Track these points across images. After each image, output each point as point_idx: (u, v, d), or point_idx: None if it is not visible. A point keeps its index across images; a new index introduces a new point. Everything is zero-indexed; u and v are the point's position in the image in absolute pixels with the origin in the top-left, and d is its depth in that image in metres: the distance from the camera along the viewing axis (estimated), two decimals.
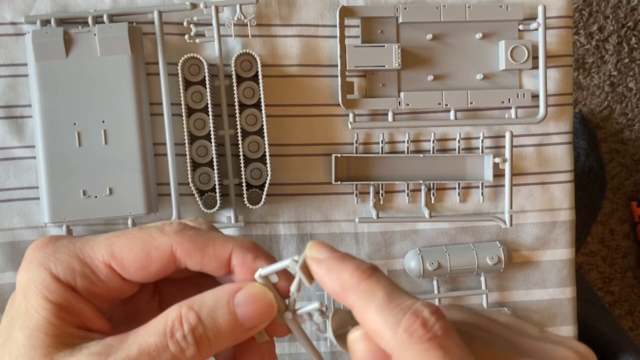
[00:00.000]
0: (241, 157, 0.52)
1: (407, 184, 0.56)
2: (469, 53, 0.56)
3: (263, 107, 0.52)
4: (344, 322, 0.27)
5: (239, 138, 0.52)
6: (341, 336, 0.27)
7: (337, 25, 0.53)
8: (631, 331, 1.27)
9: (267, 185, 0.53)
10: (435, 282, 0.56)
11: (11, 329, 0.26)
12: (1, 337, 0.26)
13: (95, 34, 0.50)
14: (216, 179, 0.52)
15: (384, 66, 0.53)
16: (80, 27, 0.52)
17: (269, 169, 0.52)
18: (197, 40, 0.53)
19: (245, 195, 0.53)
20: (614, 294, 1.26)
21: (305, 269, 0.27)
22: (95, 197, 0.51)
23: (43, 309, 0.26)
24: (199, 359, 0.25)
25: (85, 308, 0.27)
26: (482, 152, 0.56)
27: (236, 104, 0.52)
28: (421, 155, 0.56)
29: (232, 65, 0.52)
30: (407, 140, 0.56)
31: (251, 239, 0.31)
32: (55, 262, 0.26)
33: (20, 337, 0.25)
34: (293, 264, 0.27)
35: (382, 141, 0.56)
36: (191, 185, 0.52)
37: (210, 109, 0.52)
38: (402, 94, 0.55)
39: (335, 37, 0.53)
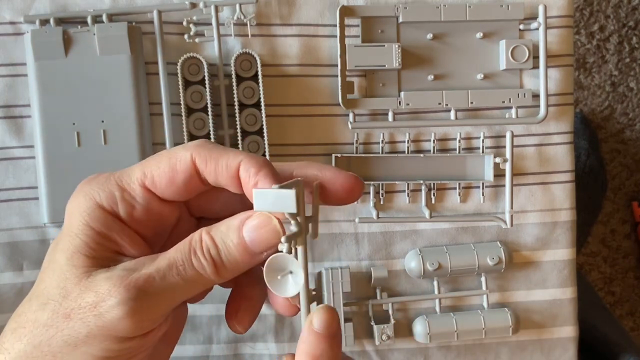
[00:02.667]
0: None
1: (408, 184, 0.56)
2: (469, 53, 0.55)
3: (263, 107, 0.52)
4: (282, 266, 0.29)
5: (239, 138, 0.52)
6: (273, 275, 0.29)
7: (337, 25, 0.53)
8: (632, 332, 1.26)
9: None
10: (435, 283, 0.56)
11: (54, 252, 0.29)
12: (46, 260, 0.29)
13: (94, 34, 0.50)
14: None
15: (384, 66, 0.53)
16: (79, 26, 0.51)
17: None
18: (197, 40, 0.53)
19: None
20: (614, 294, 1.26)
21: (301, 196, 0.28)
22: None
23: (84, 234, 0.29)
24: (217, 279, 0.28)
25: (125, 236, 0.29)
26: (483, 152, 0.56)
27: (236, 103, 0.52)
28: (421, 155, 0.55)
29: (232, 64, 0.52)
30: (408, 140, 0.56)
31: None
32: (99, 191, 0.29)
33: (62, 258, 0.28)
34: (289, 198, 0.28)
35: (382, 141, 0.55)
36: None
37: (209, 109, 0.52)
38: (402, 93, 0.55)
39: (335, 36, 0.53)
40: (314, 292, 0.30)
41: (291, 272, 0.28)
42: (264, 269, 0.28)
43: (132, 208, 0.30)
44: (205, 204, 0.33)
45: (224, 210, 0.32)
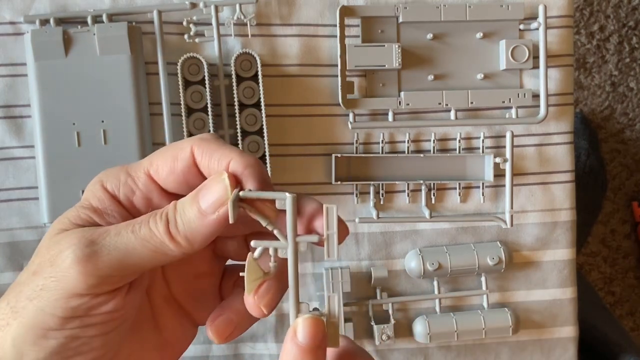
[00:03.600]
0: None
1: (408, 184, 0.56)
2: (469, 53, 0.55)
3: (263, 107, 0.52)
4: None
5: (239, 138, 0.52)
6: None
7: (337, 25, 0.53)
8: (632, 332, 1.26)
9: None
10: (435, 283, 0.56)
11: (50, 229, 0.30)
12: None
13: (94, 34, 0.50)
14: None
15: (384, 66, 0.53)
16: (79, 26, 0.51)
17: (268, 169, 0.52)
18: (197, 40, 0.53)
19: None
20: (614, 294, 1.26)
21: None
22: None
23: (81, 206, 0.30)
24: (170, 242, 0.28)
25: (118, 219, 0.30)
26: (483, 152, 0.56)
27: (236, 103, 0.52)
28: (421, 155, 0.55)
29: (232, 64, 0.52)
30: (408, 140, 0.56)
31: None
32: (108, 176, 0.31)
33: (54, 223, 0.30)
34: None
35: (382, 141, 0.55)
36: None
37: (210, 109, 0.52)
38: (402, 93, 0.55)
39: (335, 36, 0.53)
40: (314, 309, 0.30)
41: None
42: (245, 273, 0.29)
43: (132, 193, 0.31)
44: None
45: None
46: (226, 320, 0.32)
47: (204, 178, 0.30)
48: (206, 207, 0.28)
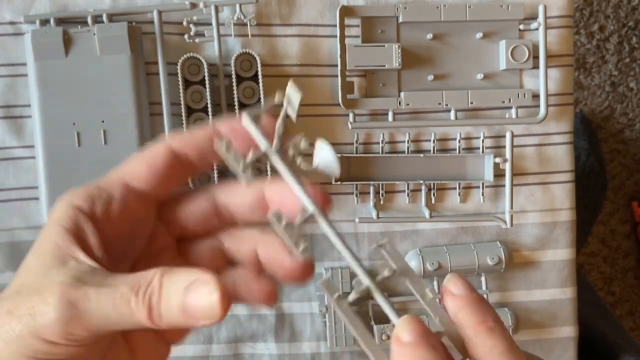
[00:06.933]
0: None
1: (408, 184, 0.56)
2: (469, 53, 0.55)
3: None
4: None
5: None
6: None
7: (337, 25, 0.53)
8: (632, 331, 1.26)
9: None
10: (435, 283, 0.56)
11: (30, 255, 0.30)
12: (24, 265, 0.30)
13: (94, 34, 0.50)
14: (216, 179, 0.52)
15: (384, 66, 0.53)
16: (79, 26, 0.51)
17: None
18: (197, 40, 0.53)
19: None
20: (614, 294, 1.26)
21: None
22: None
23: (54, 233, 0.29)
24: (150, 324, 0.28)
25: (95, 237, 0.30)
26: (483, 152, 0.56)
27: (236, 103, 0.52)
28: (421, 155, 0.55)
29: (232, 65, 0.52)
30: (408, 140, 0.56)
31: None
32: (77, 194, 0.30)
33: (32, 260, 0.29)
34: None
35: (382, 141, 0.55)
36: (191, 185, 0.52)
37: (210, 109, 0.52)
38: (402, 93, 0.55)
39: (335, 36, 0.53)
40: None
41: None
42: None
43: (108, 205, 0.30)
44: (179, 218, 0.33)
45: (199, 227, 0.32)
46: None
47: (183, 171, 0.31)
48: (192, 314, 0.28)
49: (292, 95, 0.29)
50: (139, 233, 0.32)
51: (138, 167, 0.31)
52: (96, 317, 0.28)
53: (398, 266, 0.28)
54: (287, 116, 0.29)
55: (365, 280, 0.28)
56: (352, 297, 0.29)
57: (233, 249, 0.33)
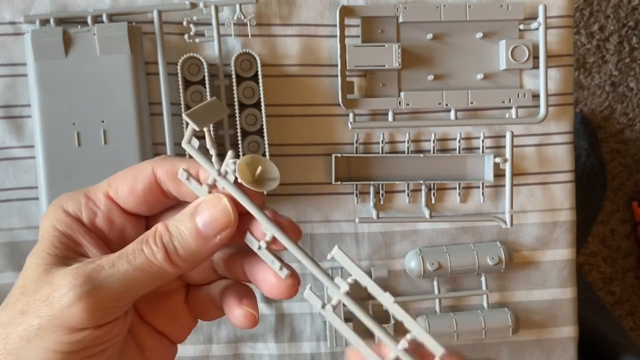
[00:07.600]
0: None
1: (408, 184, 0.56)
2: (469, 53, 0.55)
3: (263, 107, 0.52)
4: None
5: (239, 138, 0.52)
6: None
7: (337, 25, 0.53)
8: (632, 332, 1.26)
9: None
10: (435, 283, 0.56)
11: (28, 259, 0.30)
12: (23, 270, 0.31)
13: (94, 34, 0.50)
14: None
15: (384, 66, 0.53)
16: (79, 26, 0.51)
17: None
18: (197, 40, 0.53)
19: None
20: (614, 294, 1.26)
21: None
22: None
23: (50, 235, 0.30)
24: (170, 266, 0.29)
25: (89, 240, 0.31)
26: (483, 152, 0.56)
27: (236, 103, 0.52)
28: (421, 155, 0.55)
29: (232, 64, 0.52)
30: (408, 140, 0.56)
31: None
32: (68, 200, 0.31)
33: (29, 260, 0.30)
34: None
35: (382, 141, 0.55)
36: None
37: None
38: (402, 93, 0.55)
39: (335, 36, 0.53)
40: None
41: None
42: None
43: (94, 215, 0.31)
44: None
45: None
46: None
47: (165, 198, 0.31)
48: (207, 231, 0.28)
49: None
50: (127, 243, 0.32)
51: (121, 185, 0.31)
52: (116, 282, 0.28)
53: (355, 275, 0.29)
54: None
55: (335, 293, 0.30)
56: (334, 302, 0.30)
57: (222, 268, 0.33)
